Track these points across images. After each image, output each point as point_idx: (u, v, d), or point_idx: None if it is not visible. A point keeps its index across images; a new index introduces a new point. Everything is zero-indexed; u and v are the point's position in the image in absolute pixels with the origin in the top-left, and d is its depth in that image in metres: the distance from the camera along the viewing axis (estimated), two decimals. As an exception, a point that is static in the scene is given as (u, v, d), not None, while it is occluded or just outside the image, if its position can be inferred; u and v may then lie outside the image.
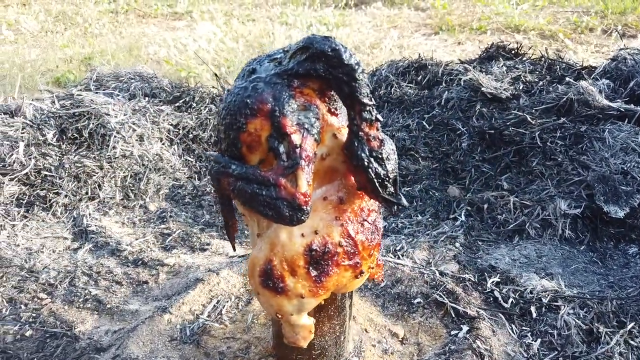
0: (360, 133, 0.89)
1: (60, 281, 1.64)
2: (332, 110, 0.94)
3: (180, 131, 2.43)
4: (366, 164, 0.89)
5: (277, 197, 0.86)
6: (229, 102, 0.91)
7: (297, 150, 0.86)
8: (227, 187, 0.92)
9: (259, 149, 0.90)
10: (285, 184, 0.86)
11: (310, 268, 0.95)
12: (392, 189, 0.92)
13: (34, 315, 1.51)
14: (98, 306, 1.56)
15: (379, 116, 0.89)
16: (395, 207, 0.93)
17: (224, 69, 4.29)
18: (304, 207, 0.87)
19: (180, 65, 4.34)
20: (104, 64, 3.97)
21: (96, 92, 2.49)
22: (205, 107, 2.58)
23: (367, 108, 0.87)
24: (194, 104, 2.58)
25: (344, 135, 0.95)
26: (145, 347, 1.33)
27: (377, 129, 0.89)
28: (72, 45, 5.16)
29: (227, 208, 0.99)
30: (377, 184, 0.91)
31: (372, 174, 0.90)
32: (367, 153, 0.89)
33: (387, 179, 0.91)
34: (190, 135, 2.45)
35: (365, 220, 1.00)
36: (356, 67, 0.84)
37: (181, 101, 2.59)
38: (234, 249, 1.08)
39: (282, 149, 0.87)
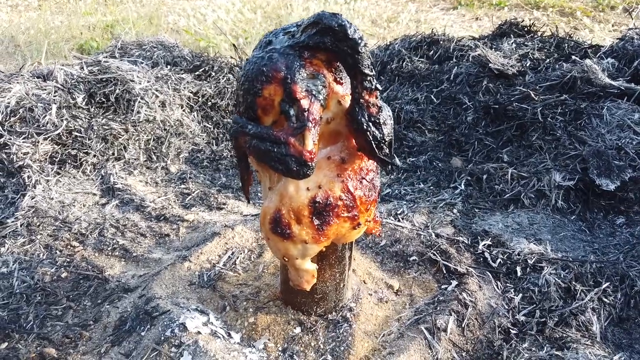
0: (361, 100, 1.01)
1: (91, 231, 1.81)
2: (338, 79, 1.06)
3: (200, 99, 2.56)
4: (365, 127, 1.02)
5: (286, 154, 1.00)
6: (247, 69, 1.03)
7: (305, 113, 0.99)
8: (244, 144, 1.06)
9: (272, 112, 1.03)
10: (294, 142, 1.00)
11: (314, 218, 1.10)
12: (387, 151, 1.05)
13: (68, 260, 1.68)
14: (125, 254, 1.73)
15: (378, 85, 1.01)
16: (390, 166, 1.06)
17: (241, 39, 4.39)
18: (310, 163, 1.00)
19: (199, 35, 4.45)
20: (127, 32, 4.09)
21: (121, 60, 2.63)
22: (224, 76, 2.70)
23: (368, 78, 0.99)
24: (213, 73, 2.71)
25: (347, 102, 1.07)
26: (168, 289, 1.50)
27: (376, 97, 1.02)
28: (94, 12, 5.28)
29: (243, 164, 1.13)
30: (374, 146, 1.04)
31: (370, 137, 1.03)
32: (367, 118, 1.02)
33: (383, 141, 1.04)
34: (209, 103, 2.58)
35: (364, 178, 1.13)
36: (359, 41, 0.96)
37: (201, 70, 2.72)
38: (248, 201, 1.22)
39: (292, 112, 1.00)
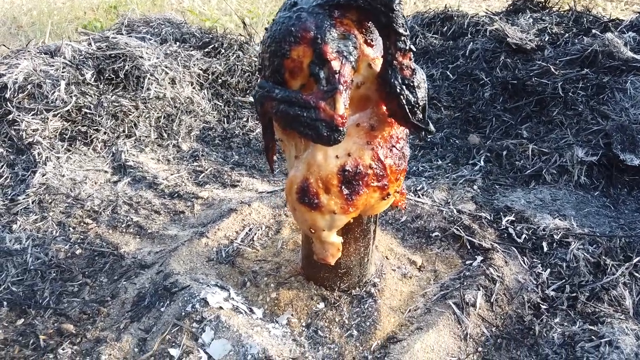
0: (394, 62, 0.96)
1: (104, 209, 1.77)
2: (368, 41, 1.01)
3: (210, 76, 2.51)
4: (398, 90, 0.97)
5: (317, 119, 0.95)
6: (274, 30, 0.98)
7: (336, 76, 0.95)
8: (270, 110, 1.01)
9: (301, 75, 0.98)
10: (324, 106, 0.95)
11: (343, 187, 1.05)
12: (421, 115, 1.00)
13: (81, 237, 1.65)
14: (139, 231, 1.69)
15: (412, 46, 0.96)
16: (423, 132, 1.01)
17: (247, 20, 4.31)
18: (341, 127, 0.96)
19: (204, 16, 4.38)
20: (133, 11, 4.01)
21: (129, 36, 2.57)
22: (234, 53, 2.64)
23: (402, 38, 0.94)
24: (223, 50, 2.65)
25: (378, 65, 1.02)
26: (186, 265, 1.47)
27: (410, 59, 0.97)
28: (97, -7, 5.19)
29: (268, 131, 1.09)
30: (407, 110, 0.99)
31: (404, 101, 0.98)
32: (400, 81, 0.97)
33: (417, 105, 0.99)
34: (219, 81, 2.53)
35: (394, 146, 1.08)
36: (394, -2, 0.91)
37: (210, 47, 2.66)
38: (272, 171, 1.18)
39: (322, 74, 0.95)
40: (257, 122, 2.41)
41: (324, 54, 0.94)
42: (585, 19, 2.54)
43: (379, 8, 0.92)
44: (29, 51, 2.26)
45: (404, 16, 0.93)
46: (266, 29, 1.02)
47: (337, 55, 0.95)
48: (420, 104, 0.99)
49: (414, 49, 0.97)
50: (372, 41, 1.02)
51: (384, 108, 1.06)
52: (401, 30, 0.93)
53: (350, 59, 0.96)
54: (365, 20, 0.98)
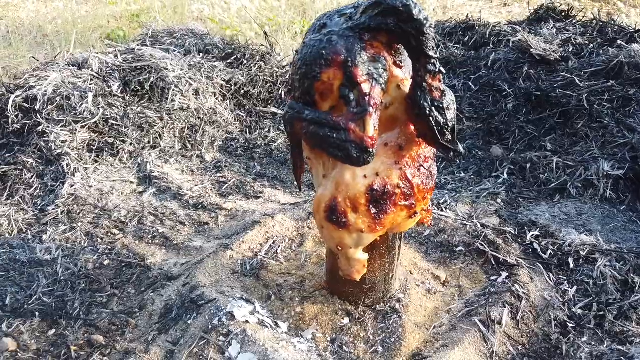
0: (423, 84, 0.97)
1: (130, 219, 1.81)
2: (398, 62, 1.02)
3: (232, 87, 2.54)
4: (428, 112, 0.98)
5: (346, 140, 0.96)
6: (304, 53, 1.00)
7: (367, 98, 0.96)
8: (300, 130, 1.03)
9: (331, 97, 1.00)
10: (354, 128, 0.96)
11: (371, 206, 1.07)
12: (450, 137, 1.01)
13: (109, 247, 1.68)
14: (165, 242, 1.72)
15: (442, 69, 0.97)
16: (452, 153, 1.02)
17: (268, 28, 4.35)
18: (371, 149, 0.97)
19: (224, 24, 4.42)
20: (156, 20, 4.08)
21: (153, 48, 2.62)
22: (255, 64, 2.67)
23: (432, 61, 0.95)
24: (245, 61, 2.68)
25: (406, 86, 1.03)
26: (211, 277, 1.49)
27: (440, 81, 0.98)
28: (119, 2, 5.29)
29: (297, 151, 1.10)
30: (436, 132, 1.00)
31: (433, 122, 0.99)
32: (429, 102, 0.98)
33: (447, 126, 1.00)
34: (242, 91, 2.56)
35: (422, 165, 1.09)
36: (424, 22, 0.92)
37: (233, 58, 2.69)
38: (300, 189, 1.20)
39: (352, 96, 0.97)
40: (278, 132, 2.43)
41: (354, 77, 0.95)
42: (610, 29, 2.52)
43: (409, 32, 0.93)
44: (57, 63, 2.31)
45: (434, 39, 0.94)
46: (296, 51, 1.03)
47: (367, 77, 0.96)
48: (450, 125, 1.00)
49: (444, 71, 0.98)
50: (401, 62, 1.03)
51: (412, 128, 1.07)
52: (431, 53, 0.94)
53: (380, 82, 0.97)
54: (396, 42, 0.99)
